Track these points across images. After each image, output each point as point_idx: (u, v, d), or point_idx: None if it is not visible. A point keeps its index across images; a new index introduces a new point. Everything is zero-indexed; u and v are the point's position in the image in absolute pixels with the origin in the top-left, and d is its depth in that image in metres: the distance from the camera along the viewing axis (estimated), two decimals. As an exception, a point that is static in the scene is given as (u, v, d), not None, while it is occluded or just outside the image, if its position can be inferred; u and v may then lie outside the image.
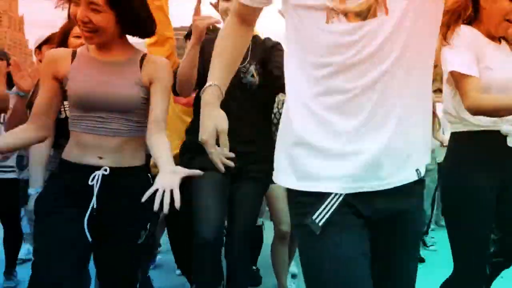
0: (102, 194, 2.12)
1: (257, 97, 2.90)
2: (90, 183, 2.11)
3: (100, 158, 2.16)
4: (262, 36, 3.11)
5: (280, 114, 3.51)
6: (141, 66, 2.28)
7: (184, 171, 2.00)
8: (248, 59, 2.86)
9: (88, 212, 2.14)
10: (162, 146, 2.15)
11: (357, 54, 1.41)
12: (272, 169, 1.76)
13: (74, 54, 2.26)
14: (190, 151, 2.84)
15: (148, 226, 2.42)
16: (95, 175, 2.12)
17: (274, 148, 1.79)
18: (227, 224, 2.91)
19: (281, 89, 2.28)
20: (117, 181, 2.18)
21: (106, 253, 2.25)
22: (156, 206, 1.82)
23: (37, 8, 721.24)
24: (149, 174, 2.47)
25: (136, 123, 2.25)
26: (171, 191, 1.81)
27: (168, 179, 1.89)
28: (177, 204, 1.80)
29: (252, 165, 2.79)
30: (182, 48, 3.17)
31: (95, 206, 2.14)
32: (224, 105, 2.19)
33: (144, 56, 2.32)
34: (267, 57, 2.92)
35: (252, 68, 2.86)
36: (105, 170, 2.16)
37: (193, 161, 2.74)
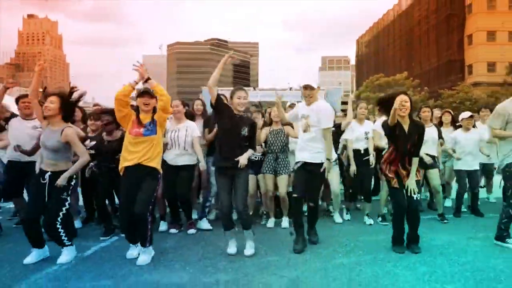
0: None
1: (244, 140, 5.00)
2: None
3: None
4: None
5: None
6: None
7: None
8: (243, 124, 4.98)
9: None
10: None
11: None
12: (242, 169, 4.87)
13: None
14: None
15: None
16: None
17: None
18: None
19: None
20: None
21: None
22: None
23: (74, 28, 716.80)
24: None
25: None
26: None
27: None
28: None
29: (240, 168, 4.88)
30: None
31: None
32: (232, 142, 4.92)
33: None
34: (251, 127, 5.08)
35: (246, 129, 4.98)
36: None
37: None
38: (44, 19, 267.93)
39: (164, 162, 5.66)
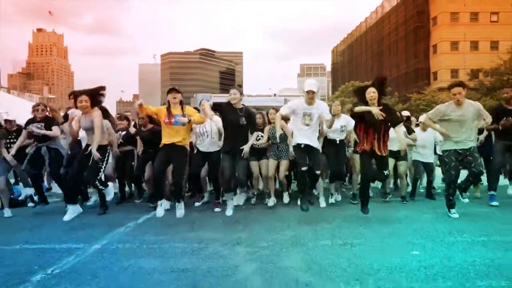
0: None
1: (244, 128, 6.42)
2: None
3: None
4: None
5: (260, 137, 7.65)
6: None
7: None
8: (242, 115, 6.31)
9: None
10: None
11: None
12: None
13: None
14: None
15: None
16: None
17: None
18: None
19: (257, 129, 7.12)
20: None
21: None
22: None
23: (77, 40, 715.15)
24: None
25: None
26: None
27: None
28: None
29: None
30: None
31: None
32: (233, 132, 6.44)
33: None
34: (249, 116, 6.41)
35: (243, 119, 6.28)
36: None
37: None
38: (51, 32, 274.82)
39: (197, 149, 7.15)
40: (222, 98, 17.50)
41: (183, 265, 3.98)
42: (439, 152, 8.30)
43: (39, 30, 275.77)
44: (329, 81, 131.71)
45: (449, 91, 6.36)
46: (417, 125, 8.74)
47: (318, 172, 6.19)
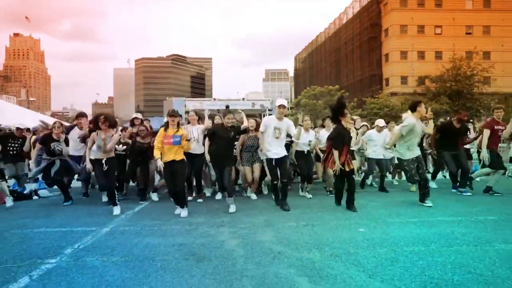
0: None
1: (232, 140, 7.24)
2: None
3: None
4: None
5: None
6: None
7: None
8: (230, 131, 7.04)
9: None
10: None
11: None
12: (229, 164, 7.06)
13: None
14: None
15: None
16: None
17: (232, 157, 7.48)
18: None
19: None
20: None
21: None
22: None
23: (54, 45, 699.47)
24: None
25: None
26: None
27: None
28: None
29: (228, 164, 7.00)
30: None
31: None
32: (222, 145, 7.06)
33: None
34: (235, 130, 7.12)
35: (232, 133, 7.04)
36: None
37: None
38: (28, 37, 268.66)
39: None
40: (195, 102, 18.17)
41: (181, 241, 4.73)
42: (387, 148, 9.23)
43: (16, 34, 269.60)
44: (292, 85, 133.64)
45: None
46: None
47: (285, 180, 6.91)
